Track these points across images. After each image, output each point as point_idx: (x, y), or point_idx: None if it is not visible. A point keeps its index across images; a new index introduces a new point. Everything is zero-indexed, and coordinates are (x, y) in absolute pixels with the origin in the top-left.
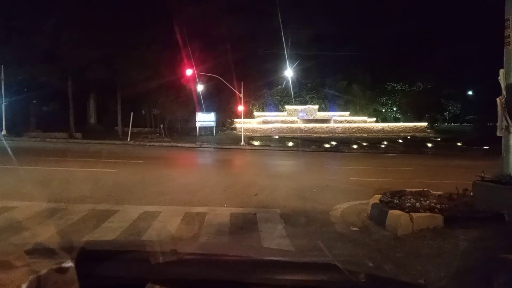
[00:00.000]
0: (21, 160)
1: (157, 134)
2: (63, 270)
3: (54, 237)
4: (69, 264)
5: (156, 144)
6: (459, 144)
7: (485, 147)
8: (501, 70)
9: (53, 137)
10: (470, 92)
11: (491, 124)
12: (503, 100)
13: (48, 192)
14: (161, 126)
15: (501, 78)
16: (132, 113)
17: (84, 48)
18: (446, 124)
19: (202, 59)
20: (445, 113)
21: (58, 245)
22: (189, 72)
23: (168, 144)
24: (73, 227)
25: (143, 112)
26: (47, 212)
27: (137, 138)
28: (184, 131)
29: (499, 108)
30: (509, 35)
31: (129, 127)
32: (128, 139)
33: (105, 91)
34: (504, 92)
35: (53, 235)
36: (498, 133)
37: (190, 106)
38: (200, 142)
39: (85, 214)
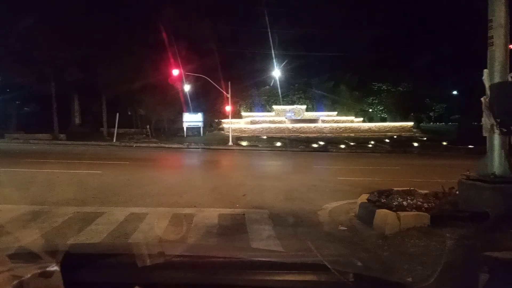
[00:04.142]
0: (3, 162)
1: (144, 135)
2: (47, 275)
3: (38, 241)
4: (53, 268)
5: (143, 145)
6: (444, 143)
7: (469, 146)
8: (485, 70)
9: (36, 138)
10: (455, 92)
11: (475, 123)
12: (487, 100)
13: (31, 194)
14: (148, 126)
15: (485, 78)
16: (117, 114)
17: (64, 49)
18: (431, 123)
19: (188, 59)
20: (430, 113)
21: (42, 249)
22: (175, 72)
23: (155, 145)
24: (58, 230)
25: (129, 113)
26: (30, 215)
27: (123, 139)
28: (171, 131)
29: (483, 108)
30: (492, 35)
31: (114, 128)
32: (114, 140)
33: (89, 92)
34: (488, 92)
35: (37, 238)
36: (484, 133)
37: (177, 106)
38: (187, 143)
39: (70, 216)
